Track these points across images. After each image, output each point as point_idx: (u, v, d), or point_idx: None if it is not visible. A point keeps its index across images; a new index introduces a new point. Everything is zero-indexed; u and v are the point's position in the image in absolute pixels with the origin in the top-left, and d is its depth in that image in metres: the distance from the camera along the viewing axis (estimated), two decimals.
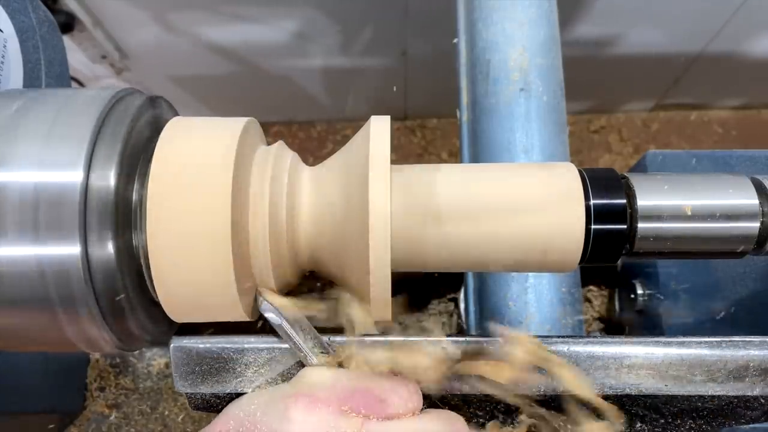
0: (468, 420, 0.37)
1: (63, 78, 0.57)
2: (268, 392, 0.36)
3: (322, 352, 0.36)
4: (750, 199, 0.35)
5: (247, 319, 0.36)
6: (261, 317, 0.39)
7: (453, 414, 0.35)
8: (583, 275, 0.87)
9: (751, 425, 0.38)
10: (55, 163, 0.31)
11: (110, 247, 0.31)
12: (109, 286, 0.32)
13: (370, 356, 0.36)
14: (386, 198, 0.32)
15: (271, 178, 0.37)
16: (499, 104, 0.68)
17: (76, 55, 1.26)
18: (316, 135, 1.65)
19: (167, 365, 0.90)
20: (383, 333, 0.37)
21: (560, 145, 0.67)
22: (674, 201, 0.35)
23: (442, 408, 0.37)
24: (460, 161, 0.74)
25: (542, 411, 0.37)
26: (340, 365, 0.36)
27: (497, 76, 0.68)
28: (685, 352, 0.36)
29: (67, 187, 0.31)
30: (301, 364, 0.36)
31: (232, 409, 0.35)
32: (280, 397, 0.34)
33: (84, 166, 0.31)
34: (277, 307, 0.36)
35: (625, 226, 0.34)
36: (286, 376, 0.36)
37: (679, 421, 0.38)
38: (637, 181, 0.35)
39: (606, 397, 0.37)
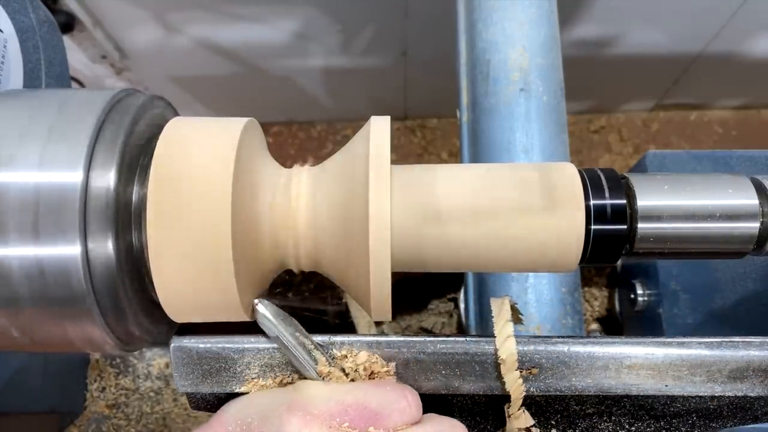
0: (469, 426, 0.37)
1: (63, 78, 0.57)
2: (265, 398, 0.35)
3: (321, 360, 0.35)
4: (750, 199, 0.35)
5: (247, 319, 0.36)
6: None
7: (454, 421, 0.35)
8: (583, 275, 0.87)
9: (751, 425, 0.38)
10: (55, 164, 0.31)
11: (110, 248, 0.31)
12: (109, 286, 0.32)
13: (369, 359, 0.36)
14: (386, 198, 0.32)
15: (271, 179, 0.37)
16: (499, 104, 0.68)
17: (76, 55, 1.26)
18: (316, 135, 1.65)
19: (167, 365, 0.90)
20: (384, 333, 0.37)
21: (560, 145, 0.67)
22: (674, 201, 0.35)
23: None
24: (460, 161, 0.74)
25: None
26: (343, 371, 0.35)
27: (497, 76, 0.68)
28: (685, 353, 0.36)
29: (68, 188, 0.31)
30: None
31: (230, 412, 0.35)
32: (276, 410, 0.33)
33: (84, 167, 0.31)
34: (273, 318, 0.36)
35: (625, 227, 0.34)
36: (288, 378, 0.36)
37: (678, 422, 0.38)
38: (637, 182, 0.35)
39: (606, 397, 0.37)
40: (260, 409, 0.34)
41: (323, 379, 0.35)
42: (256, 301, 0.36)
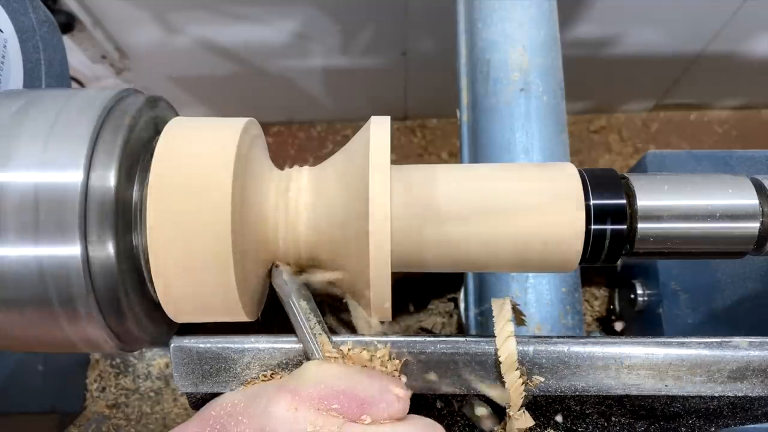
0: (448, 427, 0.37)
1: (63, 78, 0.57)
2: (258, 386, 0.36)
3: (327, 340, 0.36)
4: (750, 199, 0.35)
5: (248, 320, 0.36)
6: (261, 316, 0.39)
7: (434, 422, 0.35)
8: (583, 275, 0.87)
9: (751, 425, 0.38)
10: (56, 164, 0.31)
11: (110, 248, 0.31)
12: (109, 286, 0.32)
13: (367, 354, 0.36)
14: (386, 198, 0.32)
15: (271, 178, 0.37)
16: (499, 104, 0.68)
17: (76, 55, 1.26)
18: (316, 135, 1.65)
19: (167, 365, 0.90)
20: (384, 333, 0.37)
21: (560, 145, 0.67)
22: (674, 201, 0.35)
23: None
24: (460, 161, 0.74)
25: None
26: (343, 358, 0.36)
27: (497, 76, 0.68)
28: (685, 353, 0.36)
29: (68, 188, 0.31)
30: (298, 362, 0.36)
31: (219, 398, 0.35)
32: (266, 391, 0.34)
33: (84, 167, 0.31)
34: (289, 282, 0.36)
35: (625, 227, 0.34)
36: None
37: (678, 422, 0.38)
38: (637, 181, 0.35)
39: (606, 397, 0.37)
40: (250, 392, 0.35)
41: (322, 356, 0.35)
42: (277, 263, 0.37)
